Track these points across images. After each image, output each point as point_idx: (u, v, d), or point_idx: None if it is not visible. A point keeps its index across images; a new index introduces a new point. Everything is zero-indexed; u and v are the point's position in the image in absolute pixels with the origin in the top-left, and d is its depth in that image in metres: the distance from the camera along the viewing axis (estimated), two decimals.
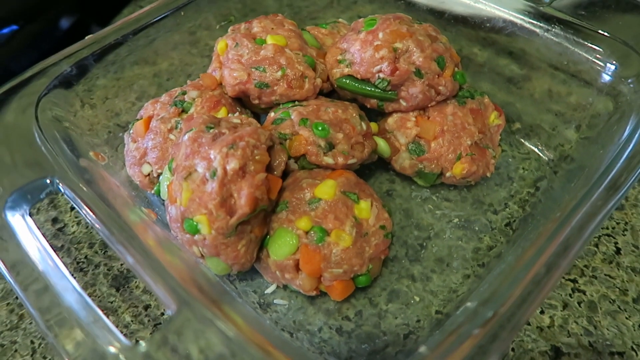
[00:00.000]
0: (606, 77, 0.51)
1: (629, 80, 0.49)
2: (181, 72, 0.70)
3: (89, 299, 0.35)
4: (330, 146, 0.49)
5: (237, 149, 0.43)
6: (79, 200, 0.40)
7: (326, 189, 0.46)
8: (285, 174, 0.49)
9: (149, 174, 0.53)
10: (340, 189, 0.47)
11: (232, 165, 0.42)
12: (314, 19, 0.73)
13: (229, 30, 0.58)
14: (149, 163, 0.53)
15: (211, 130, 0.45)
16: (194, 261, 0.45)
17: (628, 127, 0.46)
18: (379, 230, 0.47)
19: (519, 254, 0.41)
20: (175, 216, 0.45)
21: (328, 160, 0.49)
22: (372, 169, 0.55)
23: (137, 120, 0.55)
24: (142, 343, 0.33)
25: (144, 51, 0.73)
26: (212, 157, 0.43)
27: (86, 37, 0.58)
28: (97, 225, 0.39)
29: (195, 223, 0.43)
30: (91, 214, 0.39)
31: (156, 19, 0.63)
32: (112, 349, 0.32)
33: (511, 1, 0.57)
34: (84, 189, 0.42)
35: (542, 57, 0.62)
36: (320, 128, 0.49)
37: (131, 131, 0.55)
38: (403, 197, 0.54)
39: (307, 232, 0.45)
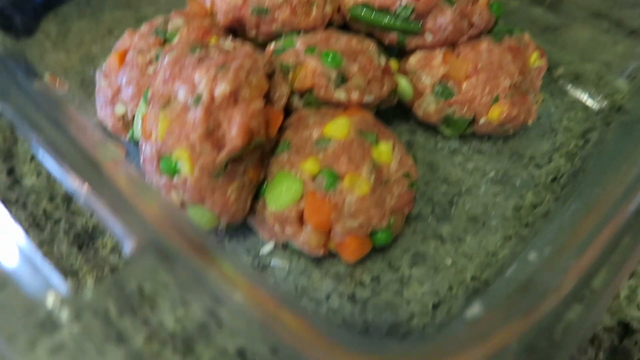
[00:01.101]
0: None
1: None
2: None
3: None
4: (343, 79, 0.40)
5: (228, 70, 0.34)
6: (26, 122, 0.31)
7: (338, 127, 0.38)
8: (287, 113, 0.40)
9: (123, 116, 0.45)
10: (355, 127, 0.38)
11: (222, 88, 0.34)
12: None
13: None
14: (123, 102, 0.44)
15: (197, 52, 0.37)
16: (176, 208, 0.36)
17: None
18: (402, 178, 0.38)
19: (576, 217, 0.32)
20: (150, 155, 0.36)
21: (340, 95, 0.40)
22: (389, 117, 0.47)
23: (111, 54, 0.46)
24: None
25: None
26: (196, 80, 0.35)
27: None
28: (46, 147, 0.29)
29: (173, 161, 0.35)
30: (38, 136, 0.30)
31: None
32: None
33: None
34: (33, 111, 0.33)
35: (580, 3, 0.54)
36: (331, 57, 0.40)
37: (103, 67, 0.46)
38: (427, 149, 0.46)
39: (314, 177, 0.36)
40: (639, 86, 0.48)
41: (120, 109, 0.44)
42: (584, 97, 0.48)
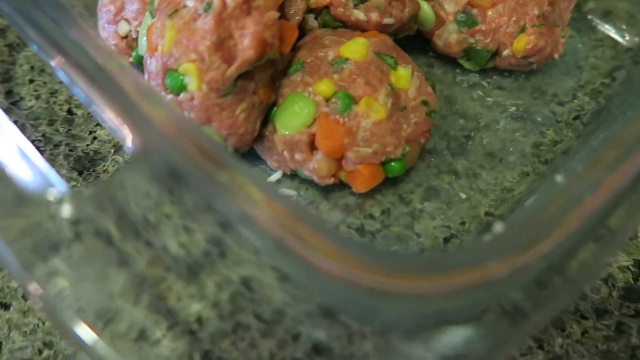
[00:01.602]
0: None
1: None
2: None
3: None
4: None
5: None
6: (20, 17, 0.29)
7: (356, 47, 0.35)
8: (301, 33, 0.38)
9: (126, 35, 0.42)
10: (373, 49, 0.36)
11: None
12: None
13: None
14: (126, 20, 0.41)
15: None
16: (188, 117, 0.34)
17: None
18: (421, 105, 0.36)
19: (596, 153, 0.30)
20: (156, 70, 0.34)
21: (359, 14, 0.37)
22: (406, 48, 0.44)
23: None
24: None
25: None
26: None
27: None
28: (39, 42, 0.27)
29: (181, 76, 0.33)
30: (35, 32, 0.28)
31: None
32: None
33: None
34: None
35: None
36: None
37: None
38: (445, 82, 0.43)
39: (328, 99, 0.34)
40: None
41: (124, 28, 0.42)
42: (614, 34, 0.46)
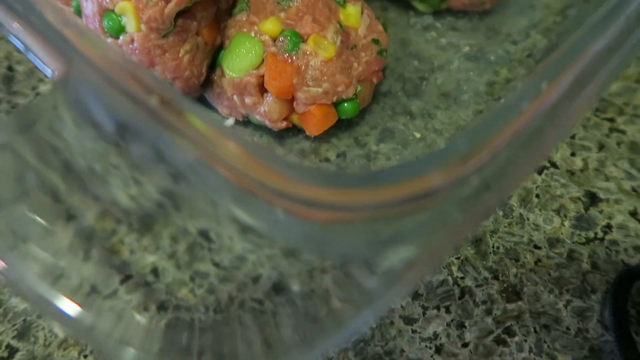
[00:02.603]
0: None
1: None
2: None
3: None
4: None
5: None
6: None
7: None
8: None
9: None
10: None
11: None
12: None
13: None
14: None
15: None
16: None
17: None
18: (371, 44, 0.35)
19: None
20: (92, 12, 0.32)
21: None
22: None
23: None
24: None
25: None
26: None
27: None
28: None
29: (118, 17, 0.31)
30: None
31: None
32: None
33: None
34: None
35: None
36: None
37: None
38: (399, 25, 0.42)
39: (275, 39, 0.33)
40: None
41: None
42: None
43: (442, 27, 0.42)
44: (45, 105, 0.22)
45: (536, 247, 0.32)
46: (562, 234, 0.33)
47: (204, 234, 0.28)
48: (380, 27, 0.36)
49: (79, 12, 0.38)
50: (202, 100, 0.37)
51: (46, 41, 0.21)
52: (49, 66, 0.21)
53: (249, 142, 0.22)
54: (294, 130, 0.36)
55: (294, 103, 0.34)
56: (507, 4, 0.43)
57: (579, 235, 0.33)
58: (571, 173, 0.35)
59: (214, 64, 0.35)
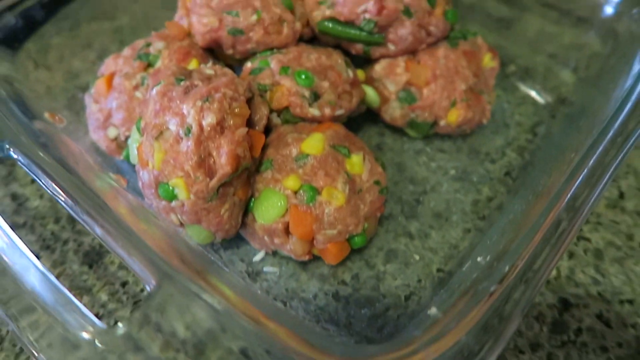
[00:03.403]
0: (607, 10, 0.48)
1: (634, 12, 0.45)
2: (145, 26, 0.63)
3: (55, 279, 0.31)
4: (316, 96, 0.44)
5: (213, 101, 0.38)
6: (35, 167, 0.35)
7: (314, 143, 0.42)
8: (267, 130, 0.44)
9: (115, 138, 0.48)
10: (329, 142, 0.43)
11: (209, 120, 0.38)
12: None
13: None
14: (114, 125, 0.48)
15: (182, 83, 0.40)
16: (173, 229, 0.41)
17: (636, 65, 0.42)
18: (373, 186, 0.43)
19: (524, 207, 0.38)
20: (149, 181, 0.41)
21: (314, 111, 0.44)
22: (359, 122, 0.51)
23: (98, 78, 0.49)
24: (120, 324, 0.29)
25: (101, 4, 0.65)
26: (185, 112, 0.38)
27: None
28: (58, 195, 0.34)
29: (171, 188, 0.39)
30: (49, 181, 0.34)
31: None
32: (85, 335, 0.28)
33: None
34: (40, 153, 0.36)
35: None
36: (303, 76, 0.44)
37: (92, 91, 0.50)
38: (395, 150, 0.50)
39: (295, 192, 0.41)
40: (582, 77, 0.53)
41: (112, 132, 0.48)
42: (533, 91, 0.53)
43: (431, 150, 0.50)
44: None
45: (520, 351, 0.39)
46: (541, 338, 0.40)
47: (244, 352, 0.36)
48: (380, 168, 0.44)
49: (127, 158, 0.47)
50: (238, 236, 0.45)
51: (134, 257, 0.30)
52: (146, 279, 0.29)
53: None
54: (315, 258, 0.44)
55: (314, 241, 0.42)
56: (485, 124, 0.51)
57: (556, 339, 0.40)
58: (547, 282, 0.42)
59: (246, 211, 0.43)
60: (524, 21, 0.59)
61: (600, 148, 0.36)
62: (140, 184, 0.42)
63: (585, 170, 0.35)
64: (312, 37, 0.51)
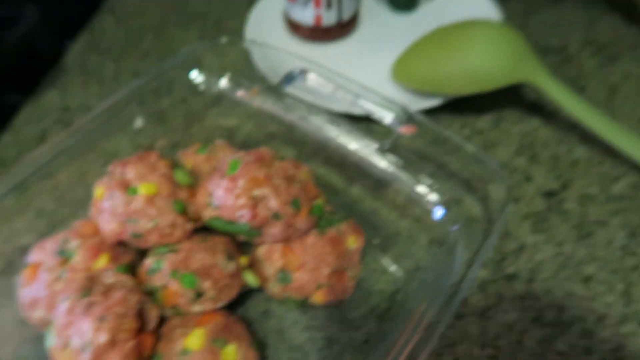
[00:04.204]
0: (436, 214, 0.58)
1: (454, 227, 0.56)
2: (79, 185, 0.71)
3: None
4: (199, 295, 0.55)
5: (106, 321, 0.48)
6: None
7: (195, 340, 0.52)
8: (162, 320, 0.55)
9: (41, 318, 0.58)
10: (209, 337, 0.53)
11: (102, 339, 0.48)
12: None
13: (108, 169, 0.61)
14: (40, 308, 0.57)
15: (85, 299, 0.50)
16: None
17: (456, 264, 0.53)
18: None
19: None
20: None
21: (197, 308, 0.54)
22: (250, 290, 0.61)
23: (26, 266, 0.59)
24: None
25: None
26: (85, 329, 0.48)
27: None
28: None
29: None
30: None
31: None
32: None
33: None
34: None
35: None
36: (188, 280, 0.54)
37: (21, 277, 0.59)
38: (277, 317, 0.60)
39: None
40: (433, 250, 0.63)
41: (38, 313, 0.58)
42: (393, 261, 0.64)
43: (307, 319, 0.60)
44: None
45: None
46: None
47: None
48: (252, 353, 0.54)
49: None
50: None
51: None
52: None
53: None
54: None
55: None
56: (352, 293, 0.61)
57: None
58: None
59: None
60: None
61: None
62: None
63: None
64: (204, 226, 0.61)
